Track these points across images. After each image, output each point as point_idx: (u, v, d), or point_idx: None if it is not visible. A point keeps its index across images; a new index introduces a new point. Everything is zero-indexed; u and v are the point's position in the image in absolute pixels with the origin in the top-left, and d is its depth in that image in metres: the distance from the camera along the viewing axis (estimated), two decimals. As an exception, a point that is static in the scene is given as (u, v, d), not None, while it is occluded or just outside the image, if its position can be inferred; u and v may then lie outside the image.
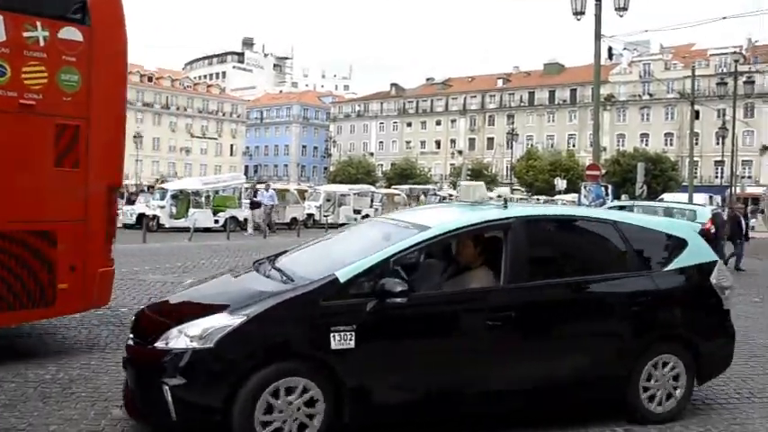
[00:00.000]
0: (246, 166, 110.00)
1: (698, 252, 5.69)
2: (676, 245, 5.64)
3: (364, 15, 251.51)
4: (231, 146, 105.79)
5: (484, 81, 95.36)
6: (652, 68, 77.58)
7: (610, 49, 22.42)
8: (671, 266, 5.53)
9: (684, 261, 5.57)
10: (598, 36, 20.39)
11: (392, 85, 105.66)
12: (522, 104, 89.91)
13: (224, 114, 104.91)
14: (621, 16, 19.81)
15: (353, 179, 73.34)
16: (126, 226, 24.60)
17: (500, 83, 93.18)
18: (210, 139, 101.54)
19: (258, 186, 30.91)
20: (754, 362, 7.44)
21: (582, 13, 20.31)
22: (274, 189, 29.83)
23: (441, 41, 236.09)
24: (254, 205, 27.19)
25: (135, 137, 77.98)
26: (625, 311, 5.26)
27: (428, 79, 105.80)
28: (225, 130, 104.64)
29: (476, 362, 4.77)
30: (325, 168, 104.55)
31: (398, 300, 4.37)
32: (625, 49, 68.59)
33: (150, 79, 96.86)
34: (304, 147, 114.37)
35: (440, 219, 5.40)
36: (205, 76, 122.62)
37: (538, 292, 5.03)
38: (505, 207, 5.28)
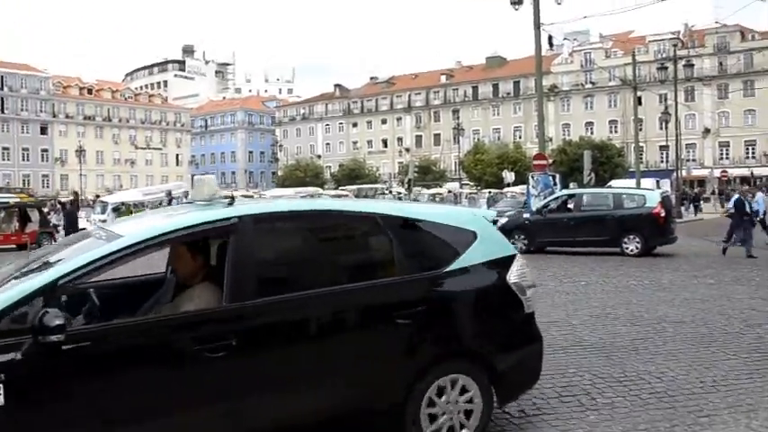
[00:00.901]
0: (193, 175, 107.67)
1: (490, 246, 4.66)
2: (462, 239, 4.60)
3: (305, 19, 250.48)
4: (177, 155, 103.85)
5: (427, 77, 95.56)
6: (593, 57, 78.77)
7: (550, 38, 22.41)
8: (454, 265, 4.46)
9: (472, 258, 4.54)
10: (537, 25, 20.36)
11: (336, 86, 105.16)
12: (467, 99, 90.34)
13: (167, 124, 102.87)
14: (560, 3, 19.76)
15: (302, 182, 72.88)
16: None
17: (443, 78, 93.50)
18: (155, 149, 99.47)
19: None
20: (716, 347, 7.24)
21: (520, 2, 20.25)
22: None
23: (383, 40, 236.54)
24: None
25: (77, 151, 75.90)
26: (391, 326, 4.17)
27: (372, 78, 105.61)
28: (169, 140, 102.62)
29: (191, 408, 3.66)
30: (274, 173, 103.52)
31: (54, 337, 3.23)
32: (565, 39, 69.67)
33: (90, 92, 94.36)
34: (251, 152, 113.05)
35: (141, 225, 4.34)
36: (146, 86, 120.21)
37: (270, 310, 3.91)
38: (230, 204, 4.19)
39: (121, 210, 26.80)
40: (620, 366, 6.45)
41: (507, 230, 18.61)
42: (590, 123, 79.83)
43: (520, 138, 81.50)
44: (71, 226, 21.94)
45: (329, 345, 4.08)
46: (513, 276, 4.61)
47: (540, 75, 21.87)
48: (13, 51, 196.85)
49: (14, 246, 21.60)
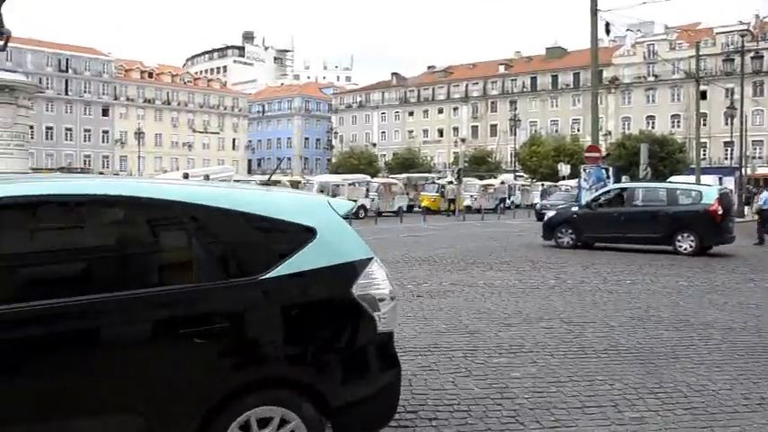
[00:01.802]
0: (249, 160, 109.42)
1: (333, 246, 3.66)
2: (294, 237, 3.61)
3: (365, 6, 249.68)
4: (233, 140, 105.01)
5: (485, 67, 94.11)
6: (657, 49, 76.18)
7: (607, 24, 21.39)
8: (277, 271, 3.45)
9: (304, 261, 3.53)
10: (594, 11, 19.48)
11: (393, 74, 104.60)
12: (525, 90, 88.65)
13: (225, 109, 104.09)
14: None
15: (355, 170, 72.64)
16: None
17: (502, 69, 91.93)
18: (212, 133, 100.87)
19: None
20: (767, 359, 6.57)
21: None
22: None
23: (442, 29, 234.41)
24: None
25: (137, 133, 77.37)
26: (183, 346, 3.27)
27: (429, 67, 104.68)
28: (227, 125, 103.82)
29: None
30: (329, 160, 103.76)
31: None
32: (628, 30, 67.49)
33: (151, 75, 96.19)
34: (306, 139, 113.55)
35: None
36: (206, 71, 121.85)
37: (10, 323, 3.00)
38: None
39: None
40: (656, 376, 5.86)
41: (554, 224, 17.99)
42: (651, 117, 77.30)
43: (578, 130, 79.53)
44: None
45: (94, 370, 3.17)
46: (361, 287, 3.61)
47: (596, 61, 20.95)
48: (78, 35, 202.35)
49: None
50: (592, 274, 12.50)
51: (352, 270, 3.66)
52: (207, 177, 28.24)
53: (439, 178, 47.35)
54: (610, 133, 75.69)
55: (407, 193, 40.98)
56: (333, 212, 3.81)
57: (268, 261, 3.52)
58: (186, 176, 28.98)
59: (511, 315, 8.57)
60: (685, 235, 16.23)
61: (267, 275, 3.46)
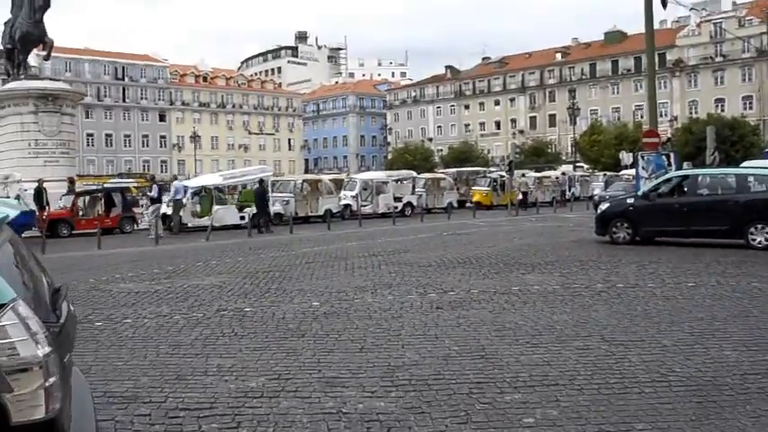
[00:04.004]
0: (306, 160, 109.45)
1: None
2: None
3: (416, 1, 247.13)
4: (289, 140, 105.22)
5: (542, 56, 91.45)
6: (724, 27, 72.13)
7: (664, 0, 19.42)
8: None
9: None
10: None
11: (447, 67, 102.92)
12: (584, 77, 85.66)
13: (280, 109, 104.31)
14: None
15: (410, 166, 71.32)
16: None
17: (559, 57, 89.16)
18: (268, 134, 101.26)
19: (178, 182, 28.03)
20: None
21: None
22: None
23: (496, 19, 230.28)
24: (154, 201, 24.25)
25: (192, 137, 77.93)
26: None
27: (484, 59, 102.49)
28: (282, 125, 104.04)
29: None
30: (384, 157, 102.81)
31: None
32: (692, 9, 64.02)
33: (205, 79, 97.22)
34: (362, 136, 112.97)
35: None
36: (261, 73, 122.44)
37: None
38: None
39: (202, 194, 26.17)
40: (718, 422, 4.37)
41: (608, 218, 16.30)
42: (720, 100, 73.36)
43: (641, 117, 76.00)
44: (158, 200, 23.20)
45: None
46: None
47: (652, 39, 19.02)
48: (134, 44, 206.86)
49: (100, 229, 21.26)
50: (648, 276, 10.87)
51: None
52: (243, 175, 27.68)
53: (491, 171, 45.48)
54: (675, 118, 72.29)
55: (458, 189, 39.40)
56: None
57: None
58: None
59: (541, 331, 7.12)
60: (759, 227, 14.26)
61: None
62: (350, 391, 5.23)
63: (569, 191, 44.46)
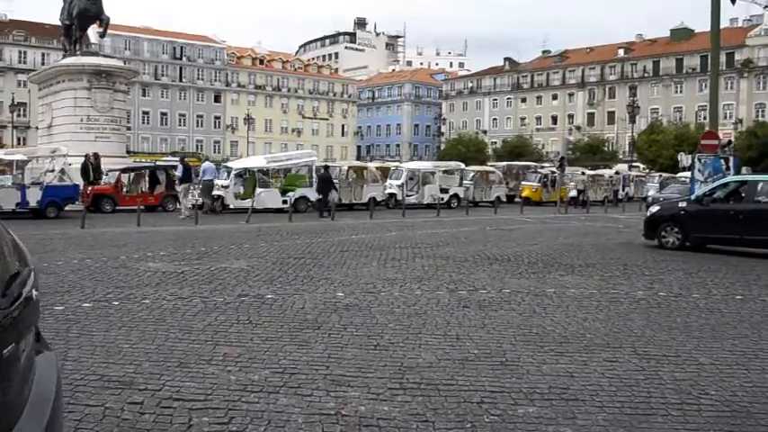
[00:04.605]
0: (359, 146, 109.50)
1: None
2: None
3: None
4: (343, 126, 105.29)
5: (603, 51, 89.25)
6: (798, 27, 69.20)
7: (733, -6, 18.46)
8: None
9: None
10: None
11: (506, 59, 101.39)
12: (646, 75, 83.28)
13: (335, 95, 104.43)
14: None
15: (463, 157, 70.65)
16: (193, 207, 23.36)
17: (621, 53, 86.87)
18: (321, 119, 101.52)
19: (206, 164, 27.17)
20: None
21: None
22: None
23: (558, 11, 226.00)
24: (181, 181, 23.77)
25: (246, 119, 78.61)
26: None
27: (544, 52, 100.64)
28: (336, 111, 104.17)
29: None
30: (438, 147, 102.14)
31: None
32: (766, 7, 61.43)
33: (262, 62, 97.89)
34: (416, 125, 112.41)
35: None
36: (318, 58, 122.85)
37: None
38: None
39: (245, 176, 26.18)
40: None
41: (658, 221, 15.63)
42: (790, 104, 70.48)
43: (704, 118, 73.64)
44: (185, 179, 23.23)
45: None
46: None
47: (717, 34, 18.10)
48: (194, 24, 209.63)
49: (143, 207, 21.46)
50: (694, 285, 10.28)
51: None
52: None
53: (543, 167, 44.54)
54: (740, 121, 69.76)
55: (507, 183, 38.67)
56: None
57: None
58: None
59: (569, 339, 6.70)
60: (820, 239, 13.47)
61: None
62: (354, 392, 4.94)
63: (623, 191, 43.23)
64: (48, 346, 3.35)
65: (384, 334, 6.71)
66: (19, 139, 65.31)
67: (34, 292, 3.13)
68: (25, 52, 79.06)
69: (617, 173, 47.17)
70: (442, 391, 5.03)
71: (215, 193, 24.66)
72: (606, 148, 76.71)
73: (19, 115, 59.82)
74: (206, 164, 25.27)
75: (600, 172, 45.36)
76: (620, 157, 73.67)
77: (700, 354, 6.25)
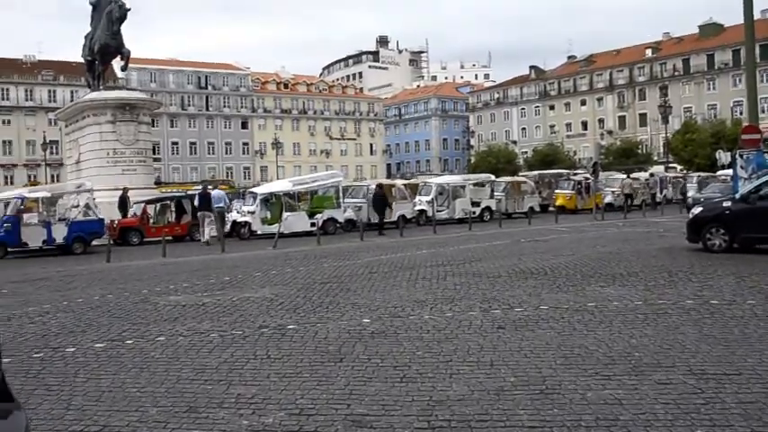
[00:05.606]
0: (388, 164, 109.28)
1: None
2: None
3: (500, 1, 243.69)
4: (371, 145, 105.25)
5: (631, 53, 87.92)
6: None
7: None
8: None
9: None
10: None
11: (531, 67, 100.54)
12: (677, 74, 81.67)
13: (361, 114, 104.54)
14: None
15: (494, 169, 69.90)
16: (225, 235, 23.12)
17: (649, 53, 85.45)
18: (349, 140, 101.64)
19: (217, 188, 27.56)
20: None
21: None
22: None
23: (582, 16, 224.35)
24: (200, 209, 23.64)
25: (274, 143, 78.89)
26: None
27: (569, 57, 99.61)
28: (363, 130, 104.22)
29: None
30: (468, 161, 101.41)
31: None
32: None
33: (286, 86, 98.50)
34: (444, 140, 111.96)
35: None
36: (342, 78, 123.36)
37: None
38: None
39: (272, 201, 25.89)
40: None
41: (701, 222, 14.86)
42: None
43: (740, 114, 71.93)
44: (202, 207, 23.15)
45: None
46: None
47: (751, 21, 17.31)
48: (217, 53, 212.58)
49: (170, 237, 21.26)
50: (747, 291, 9.55)
51: None
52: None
53: (575, 174, 43.62)
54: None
55: (540, 192, 37.87)
56: None
57: None
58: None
59: (615, 359, 6.09)
60: None
61: None
62: (376, 435, 4.43)
63: (660, 193, 42.09)
64: (18, 404, 2.92)
65: (411, 364, 6.18)
66: (52, 177, 66.36)
67: None
68: (54, 91, 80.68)
69: (652, 175, 46.03)
70: (475, 428, 4.50)
71: (242, 219, 24.43)
72: (640, 151, 75.28)
73: (51, 153, 60.87)
74: (216, 191, 25.16)
75: (635, 176, 44.29)
76: (655, 159, 72.22)
77: (765, 370, 5.59)
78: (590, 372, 5.71)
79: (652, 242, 17.86)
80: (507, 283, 10.99)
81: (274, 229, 23.20)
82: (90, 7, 30.63)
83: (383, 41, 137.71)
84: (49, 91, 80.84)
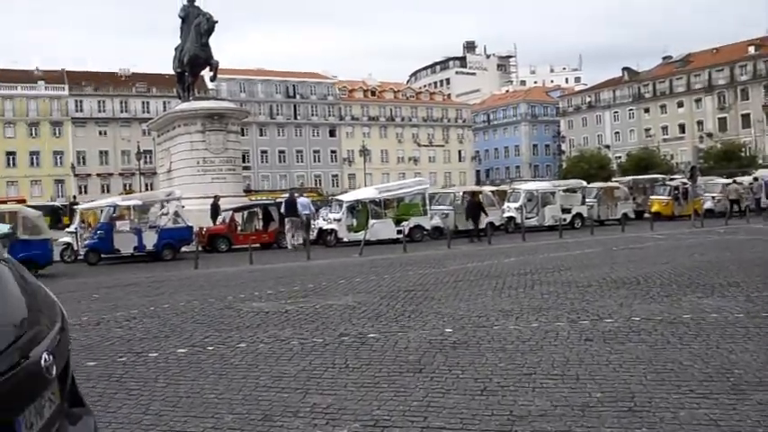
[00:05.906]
0: (477, 171, 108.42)
1: None
2: None
3: (591, 2, 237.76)
4: (459, 151, 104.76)
5: (731, 50, 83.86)
6: None
7: None
8: None
9: None
10: None
11: (624, 69, 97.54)
12: (783, 71, 77.48)
13: (449, 121, 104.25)
14: None
15: (586, 174, 68.09)
16: (304, 241, 23.46)
17: (752, 50, 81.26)
18: (437, 146, 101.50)
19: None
20: None
21: None
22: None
23: (677, 14, 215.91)
24: (287, 215, 24.08)
25: (361, 151, 79.66)
26: None
27: (665, 58, 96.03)
28: (451, 137, 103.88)
29: None
30: (559, 166, 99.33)
31: None
32: None
33: (374, 93, 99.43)
34: (535, 145, 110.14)
35: None
36: (429, 85, 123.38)
37: None
38: None
39: (357, 208, 26.00)
40: None
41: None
42: None
43: None
44: (288, 213, 23.72)
45: None
46: None
47: None
48: (305, 63, 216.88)
49: (258, 244, 21.69)
50: None
51: None
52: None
53: (672, 179, 41.81)
54: None
55: (634, 198, 36.49)
56: None
57: None
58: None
59: (712, 376, 5.67)
60: None
61: None
62: (453, 450, 4.26)
63: (766, 198, 39.73)
64: (88, 409, 2.93)
65: (493, 376, 5.96)
66: (146, 185, 69.18)
67: (45, 358, 2.64)
68: (148, 103, 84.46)
69: (755, 179, 43.55)
70: (556, 450, 4.25)
71: (328, 226, 24.69)
72: (743, 154, 71.65)
73: (145, 162, 63.48)
74: (301, 199, 25.56)
75: (740, 178, 42.03)
76: (760, 162, 68.55)
77: None
78: (683, 389, 5.33)
79: (756, 251, 16.84)
80: (597, 293, 10.55)
81: (360, 236, 23.29)
82: (179, 20, 31.79)
83: (470, 46, 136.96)
84: (143, 102, 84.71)
